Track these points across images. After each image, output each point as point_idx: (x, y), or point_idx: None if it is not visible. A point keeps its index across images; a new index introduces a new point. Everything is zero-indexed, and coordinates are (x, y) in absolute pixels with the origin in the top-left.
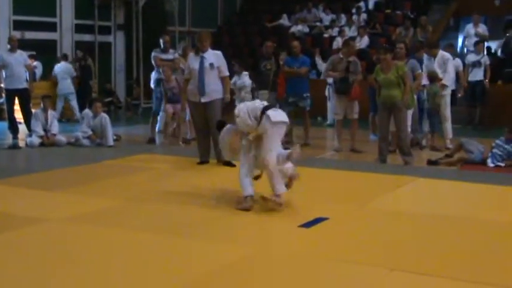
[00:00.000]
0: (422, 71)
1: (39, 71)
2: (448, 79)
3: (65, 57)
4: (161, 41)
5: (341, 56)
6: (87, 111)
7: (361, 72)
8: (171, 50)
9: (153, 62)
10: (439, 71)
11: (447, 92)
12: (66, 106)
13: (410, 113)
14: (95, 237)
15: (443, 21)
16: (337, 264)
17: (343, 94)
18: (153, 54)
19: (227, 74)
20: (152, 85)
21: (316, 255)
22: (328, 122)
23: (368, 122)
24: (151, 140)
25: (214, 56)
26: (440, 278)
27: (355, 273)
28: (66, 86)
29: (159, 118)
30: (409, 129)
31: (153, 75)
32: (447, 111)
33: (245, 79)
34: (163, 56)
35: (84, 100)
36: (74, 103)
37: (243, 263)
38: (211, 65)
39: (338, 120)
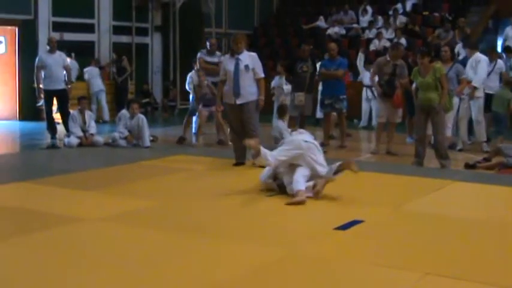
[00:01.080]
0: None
1: (74, 72)
2: (477, 80)
3: (96, 62)
4: (207, 43)
5: (388, 58)
6: (124, 112)
7: (407, 76)
8: (217, 53)
9: (197, 63)
10: (470, 72)
11: (479, 95)
12: (99, 107)
13: (452, 115)
14: (130, 238)
15: (482, 23)
16: (371, 267)
17: (388, 97)
18: (198, 55)
19: (262, 75)
20: (188, 86)
21: (350, 258)
22: (362, 124)
23: (405, 125)
24: (182, 139)
25: (249, 58)
26: (475, 283)
27: (388, 277)
28: (96, 84)
29: (194, 120)
30: (449, 132)
31: (192, 76)
32: (480, 115)
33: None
34: (209, 59)
35: (120, 101)
36: (104, 103)
37: (277, 264)
38: (247, 66)
39: (380, 123)
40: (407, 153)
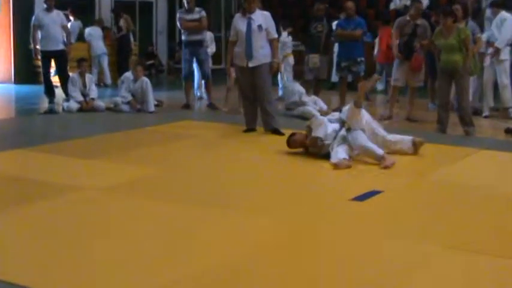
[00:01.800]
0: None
1: (74, 32)
2: (501, 41)
3: (99, 22)
4: (184, 1)
5: (408, 18)
6: (127, 74)
7: (429, 37)
8: (196, 9)
9: (178, 24)
10: (495, 32)
11: (505, 57)
12: (101, 70)
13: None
14: (134, 209)
15: None
16: (389, 241)
17: (405, 59)
18: (177, 15)
19: (276, 36)
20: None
21: (367, 231)
22: (380, 88)
23: (426, 90)
24: (187, 106)
25: (262, 17)
26: (498, 257)
27: (407, 250)
28: (98, 47)
29: (196, 82)
30: (470, 97)
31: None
32: (505, 79)
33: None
34: (188, 17)
35: (121, 63)
36: (106, 65)
37: (288, 239)
38: (260, 26)
39: (395, 86)
40: (429, 119)
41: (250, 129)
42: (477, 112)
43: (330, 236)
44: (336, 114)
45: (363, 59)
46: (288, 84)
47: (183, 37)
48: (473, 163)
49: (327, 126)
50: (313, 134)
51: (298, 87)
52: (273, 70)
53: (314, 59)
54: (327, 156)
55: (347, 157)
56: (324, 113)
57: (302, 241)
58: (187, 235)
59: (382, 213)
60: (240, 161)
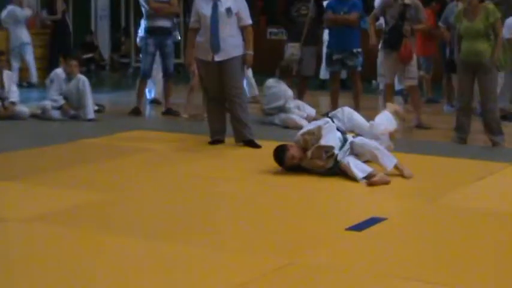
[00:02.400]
0: None
1: None
2: None
3: (19, 1)
4: None
5: None
6: (58, 71)
7: (425, 20)
8: None
9: (143, 3)
10: None
11: None
12: (24, 66)
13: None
14: (68, 242)
15: None
16: (390, 280)
17: (392, 50)
18: None
19: (250, 21)
20: (139, 39)
21: (364, 268)
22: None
23: (441, 87)
24: (136, 111)
25: None
26: None
27: None
28: (19, 34)
29: (152, 82)
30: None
31: (143, 23)
32: None
33: None
34: None
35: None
36: (30, 60)
37: (274, 275)
38: (228, 10)
39: (387, 85)
40: (443, 126)
41: (217, 140)
42: (507, 117)
43: (318, 274)
44: (326, 120)
45: (360, 50)
46: (272, 83)
47: (145, 23)
48: (501, 182)
49: (336, 133)
50: (323, 142)
51: (286, 90)
52: (248, 63)
53: (292, 49)
54: (322, 172)
55: (371, 169)
56: (311, 120)
57: (290, 277)
58: (141, 276)
59: (384, 246)
60: (206, 181)
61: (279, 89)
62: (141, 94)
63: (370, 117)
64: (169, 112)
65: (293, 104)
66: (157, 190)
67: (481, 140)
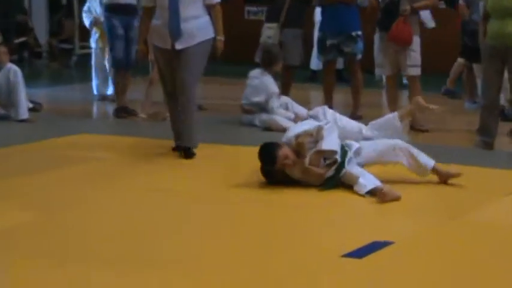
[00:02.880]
0: None
1: None
2: None
3: None
4: None
5: None
6: None
7: None
8: None
9: None
10: None
11: None
12: None
13: None
14: None
15: None
16: None
17: (386, 31)
18: None
19: None
20: (86, 21)
21: None
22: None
23: (461, 80)
24: (121, 111)
25: None
26: None
27: None
28: None
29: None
30: None
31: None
32: None
33: None
34: None
35: None
36: None
37: None
38: None
39: (387, 77)
40: (464, 127)
41: (181, 147)
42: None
43: None
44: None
45: (360, 33)
46: (254, 74)
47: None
48: None
49: (337, 136)
50: (324, 146)
51: (269, 84)
52: (218, 51)
53: (269, 31)
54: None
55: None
56: (298, 119)
57: None
58: None
59: (389, 278)
60: (169, 198)
61: (261, 81)
62: (122, 89)
63: (373, 116)
64: (123, 111)
65: (278, 102)
66: (107, 209)
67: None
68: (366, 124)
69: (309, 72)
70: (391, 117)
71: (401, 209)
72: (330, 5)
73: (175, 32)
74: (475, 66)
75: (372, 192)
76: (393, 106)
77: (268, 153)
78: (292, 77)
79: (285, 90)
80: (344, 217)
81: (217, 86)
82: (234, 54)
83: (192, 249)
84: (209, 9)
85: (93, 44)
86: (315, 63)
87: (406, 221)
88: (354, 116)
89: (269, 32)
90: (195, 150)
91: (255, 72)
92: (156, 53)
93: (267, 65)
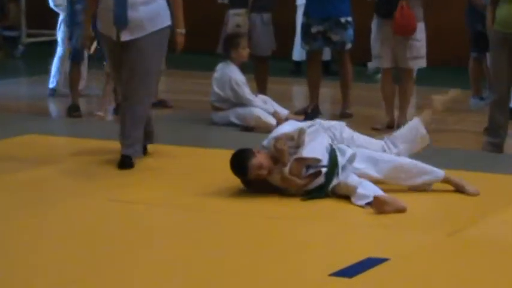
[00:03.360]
0: None
1: None
2: None
3: None
4: None
5: None
6: None
7: None
8: None
9: None
10: None
11: None
12: None
13: None
14: None
15: None
16: None
17: (386, 19)
18: None
19: None
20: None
21: None
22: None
23: (466, 73)
24: (73, 110)
25: None
26: None
27: None
28: None
29: (55, 65)
30: None
31: None
32: None
33: None
34: None
35: None
36: None
37: None
38: None
39: (384, 70)
40: (470, 128)
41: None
42: None
43: None
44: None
45: (350, 19)
46: (218, 67)
47: None
48: None
49: (324, 141)
50: (305, 153)
51: (231, 72)
52: (178, 47)
53: (236, 18)
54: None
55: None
56: (279, 119)
57: None
58: None
59: None
60: (130, 210)
61: (223, 72)
62: (75, 84)
63: (365, 115)
64: (78, 109)
65: (250, 95)
66: (61, 223)
67: None
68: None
69: (291, 65)
70: (415, 125)
71: (399, 222)
72: None
73: (121, 20)
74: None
75: (370, 203)
76: (390, 103)
77: (239, 164)
78: (267, 71)
79: (260, 87)
80: (334, 230)
81: (182, 79)
82: (202, 43)
83: (162, 265)
84: None
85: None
86: (298, 53)
87: (401, 236)
88: (343, 114)
89: (237, 20)
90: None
91: (219, 65)
92: (102, 41)
93: (226, 54)
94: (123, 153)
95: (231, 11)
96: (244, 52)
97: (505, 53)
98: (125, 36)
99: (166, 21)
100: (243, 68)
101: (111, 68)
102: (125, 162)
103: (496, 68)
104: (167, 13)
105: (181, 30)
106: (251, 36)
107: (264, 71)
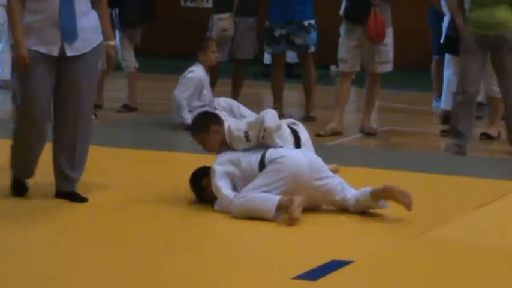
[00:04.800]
0: None
1: None
2: None
3: None
4: None
5: None
6: None
7: None
8: None
9: None
10: None
11: None
12: None
13: None
14: None
15: None
16: None
17: (356, 23)
18: None
19: None
20: None
21: None
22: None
23: (429, 74)
24: None
25: None
26: None
27: None
28: None
29: None
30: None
31: None
32: None
33: None
34: None
35: None
36: None
37: None
38: None
39: (344, 74)
40: (426, 130)
41: (22, 185)
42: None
43: None
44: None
45: (313, 22)
46: (188, 70)
47: None
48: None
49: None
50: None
51: (197, 74)
52: (111, 62)
53: (222, 23)
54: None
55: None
56: None
57: None
58: None
59: None
60: (91, 211)
61: (192, 76)
62: None
63: (328, 118)
64: None
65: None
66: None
67: (482, 148)
68: None
69: (261, 67)
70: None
71: (364, 225)
72: None
73: (71, 32)
74: (454, 59)
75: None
76: (341, 108)
77: (196, 185)
78: (243, 74)
79: (235, 89)
80: (298, 233)
81: (145, 83)
82: (169, 48)
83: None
84: (94, 4)
85: None
86: (268, 56)
87: (365, 239)
88: (307, 117)
89: (222, 24)
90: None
91: (189, 69)
92: (30, 61)
93: (196, 56)
94: (72, 189)
95: (216, 16)
96: (213, 56)
97: (480, 54)
98: (71, 51)
99: (101, 34)
100: (222, 71)
101: (32, 90)
102: (80, 197)
103: (469, 70)
104: (99, 25)
105: (112, 42)
106: (233, 39)
107: (241, 74)
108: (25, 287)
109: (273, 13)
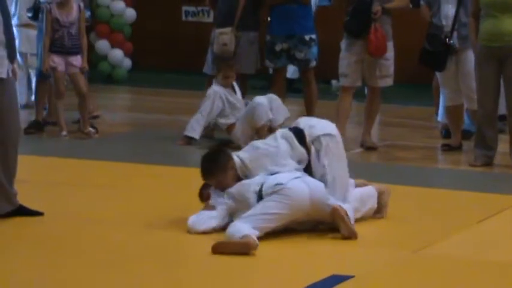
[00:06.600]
0: None
1: None
2: None
3: None
4: None
5: None
6: None
7: None
8: None
9: None
10: None
11: None
12: None
13: None
14: None
15: None
16: None
17: (356, 37)
18: None
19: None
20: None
21: None
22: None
23: (430, 89)
24: (36, 126)
25: None
26: None
27: None
28: None
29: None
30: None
31: None
32: None
33: None
34: None
35: None
36: None
37: None
38: None
39: (344, 88)
40: (427, 145)
41: None
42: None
43: None
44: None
45: (314, 36)
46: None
47: None
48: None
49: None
50: None
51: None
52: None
53: (223, 37)
54: None
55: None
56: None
57: None
58: None
59: None
60: (91, 226)
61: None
62: (41, 101)
63: None
64: (34, 127)
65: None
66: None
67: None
68: None
69: (265, 81)
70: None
71: (364, 239)
72: (279, 5)
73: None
74: (438, 74)
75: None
76: (343, 121)
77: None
78: (246, 87)
79: None
80: (299, 247)
81: (144, 97)
82: (167, 62)
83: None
84: None
85: None
86: (291, 70)
87: (368, 253)
88: None
89: (224, 39)
90: None
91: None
92: None
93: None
94: (17, 206)
95: (217, 30)
96: (226, 81)
97: (491, 67)
98: (4, 72)
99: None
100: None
101: None
102: (26, 211)
103: (483, 82)
104: None
105: (84, 65)
106: (235, 54)
107: (243, 87)
108: None
109: (274, 27)
